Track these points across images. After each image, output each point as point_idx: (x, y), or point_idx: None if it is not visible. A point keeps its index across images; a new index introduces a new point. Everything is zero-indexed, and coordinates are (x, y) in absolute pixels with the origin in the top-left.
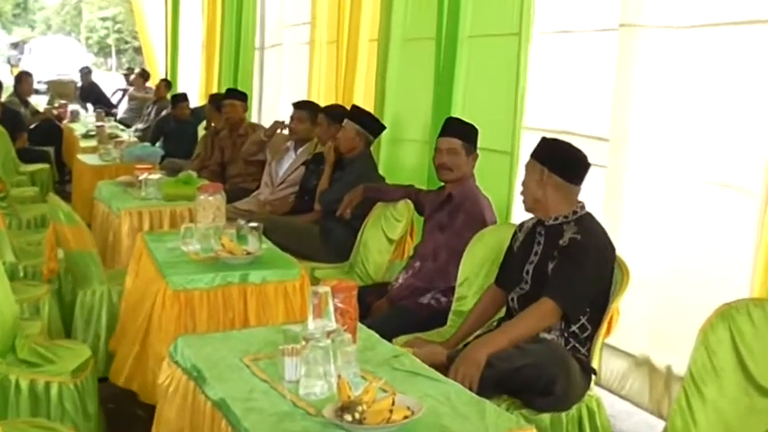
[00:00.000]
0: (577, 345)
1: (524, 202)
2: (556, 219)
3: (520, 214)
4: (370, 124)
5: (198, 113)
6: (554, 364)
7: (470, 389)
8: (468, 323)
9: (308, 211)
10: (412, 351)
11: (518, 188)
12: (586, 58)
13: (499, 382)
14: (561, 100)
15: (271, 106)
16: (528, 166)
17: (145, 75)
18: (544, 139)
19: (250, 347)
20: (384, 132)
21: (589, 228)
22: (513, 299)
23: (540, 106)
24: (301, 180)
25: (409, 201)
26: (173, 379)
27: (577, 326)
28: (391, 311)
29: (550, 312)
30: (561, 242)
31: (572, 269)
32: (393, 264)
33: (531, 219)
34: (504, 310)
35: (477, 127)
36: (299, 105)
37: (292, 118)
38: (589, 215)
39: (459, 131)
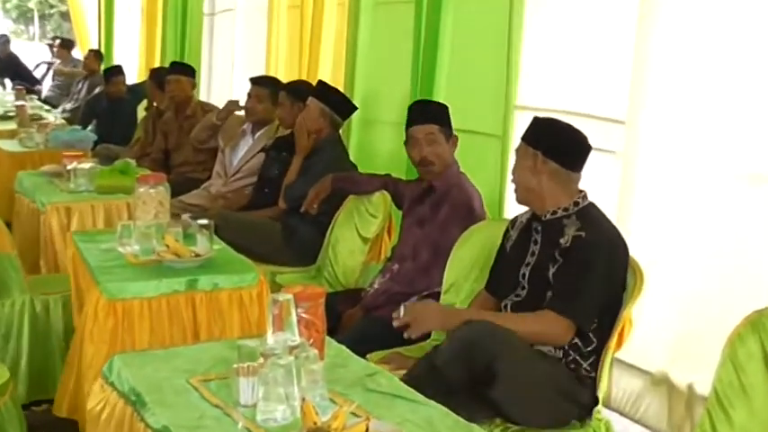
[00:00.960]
0: (579, 358)
1: (516, 192)
2: (554, 212)
3: (514, 208)
4: (339, 103)
5: (137, 91)
6: (485, 339)
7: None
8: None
9: (267, 205)
10: (389, 368)
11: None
12: (597, 22)
13: (426, 377)
14: (565, 74)
15: (222, 83)
16: (519, 150)
17: (68, 44)
18: (536, 120)
19: (199, 366)
20: (354, 113)
21: (594, 222)
22: (506, 306)
23: (538, 81)
24: (260, 169)
25: (386, 192)
26: (106, 404)
27: (580, 336)
28: (365, 322)
29: (562, 327)
30: (562, 241)
31: (578, 275)
32: (368, 267)
33: (526, 213)
34: None
35: (446, 104)
36: (256, 81)
37: (249, 96)
38: (593, 206)
39: (434, 115)
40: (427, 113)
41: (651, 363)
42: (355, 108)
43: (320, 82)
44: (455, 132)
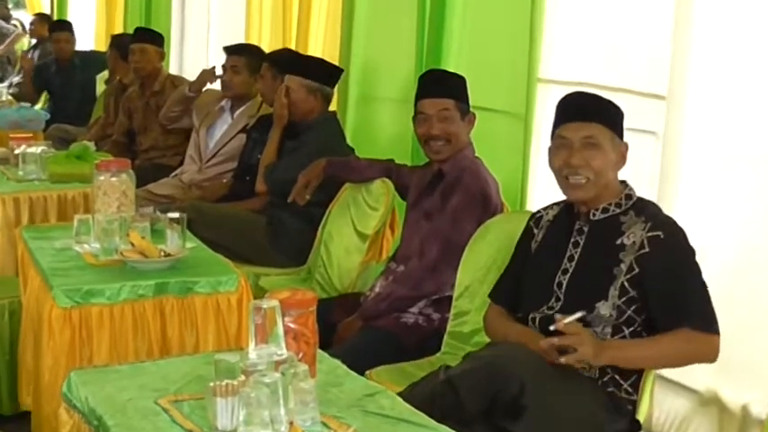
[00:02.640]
0: (618, 377)
1: (583, 187)
2: (605, 209)
3: (538, 199)
4: (322, 72)
5: (94, 60)
6: (515, 365)
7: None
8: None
9: (250, 195)
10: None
11: (537, 163)
12: None
13: (439, 399)
14: (595, 41)
15: (196, 53)
16: (594, 134)
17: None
18: (590, 95)
19: (169, 385)
20: (351, 89)
21: (661, 218)
22: (534, 320)
23: (565, 50)
24: (241, 153)
25: (388, 181)
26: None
27: None
28: (365, 333)
29: (711, 346)
30: (631, 243)
31: (689, 282)
32: (367, 268)
33: (553, 208)
34: None
35: (465, 78)
36: (234, 50)
37: (225, 68)
38: (643, 198)
39: (450, 87)
40: (442, 85)
41: (699, 380)
42: (341, 70)
43: (291, 53)
44: (472, 110)
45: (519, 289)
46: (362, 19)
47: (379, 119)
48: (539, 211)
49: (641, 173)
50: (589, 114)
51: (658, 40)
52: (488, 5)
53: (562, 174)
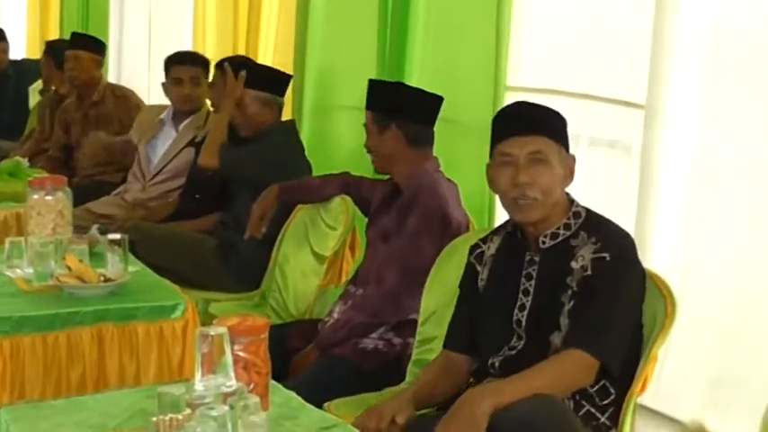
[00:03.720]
0: (593, 410)
1: (531, 209)
2: (554, 234)
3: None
4: (274, 81)
5: (26, 69)
6: (551, 424)
7: None
8: (418, 386)
9: (199, 214)
10: (354, 421)
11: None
12: None
13: None
14: (567, 46)
15: (135, 61)
16: (542, 150)
17: None
18: (525, 105)
19: (108, 420)
20: (306, 98)
21: (609, 234)
22: (494, 365)
23: (535, 55)
24: (190, 169)
25: (347, 197)
26: None
27: (595, 387)
28: (322, 363)
29: (587, 368)
30: (575, 266)
31: (605, 307)
32: (325, 292)
33: (493, 240)
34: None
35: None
36: (192, 60)
37: (180, 80)
38: (588, 210)
39: (377, 102)
40: (376, 101)
41: (682, 409)
42: (290, 77)
43: (237, 61)
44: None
45: (473, 334)
46: (318, 23)
47: (336, 129)
48: (477, 246)
49: (616, 188)
50: (534, 127)
51: (636, 44)
52: (453, 10)
53: (509, 195)
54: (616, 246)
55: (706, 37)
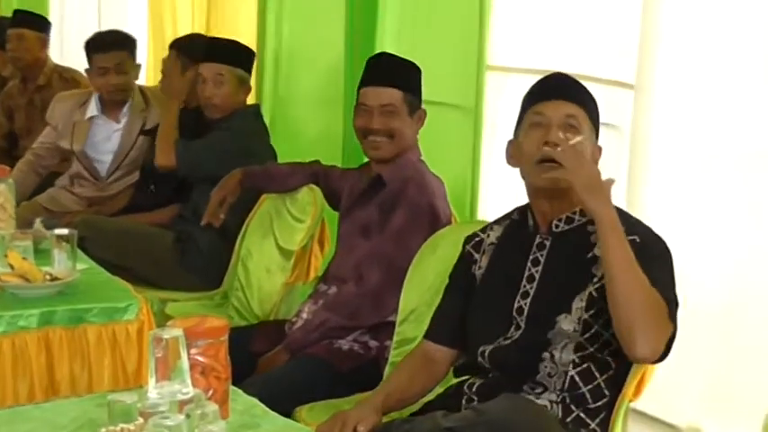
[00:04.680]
0: (584, 415)
1: (552, 195)
2: (569, 219)
3: (491, 206)
4: (244, 57)
5: None
6: (520, 425)
7: None
8: (389, 389)
9: (155, 206)
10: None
11: (489, 164)
12: None
13: None
14: (552, 22)
15: (80, 40)
16: (572, 110)
17: None
18: (567, 76)
19: (54, 431)
20: (266, 80)
21: (634, 221)
22: (484, 353)
23: (518, 33)
24: (143, 159)
25: (315, 188)
26: None
27: (589, 386)
28: (290, 366)
29: (666, 334)
30: (599, 254)
31: (656, 275)
32: (292, 290)
33: (494, 229)
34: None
35: (419, 66)
36: (103, 45)
37: (103, 69)
38: None
39: (398, 76)
40: (389, 72)
41: (679, 414)
42: (253, 54)
43: (204, 39)
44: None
45: (461, 326)
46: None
47: (300, 117)
48: (476, 234)
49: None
50: (573, 95)
51: (625, 21)
52: None
53: (534, 159)
54: (641, 228)
55: (698, 12)
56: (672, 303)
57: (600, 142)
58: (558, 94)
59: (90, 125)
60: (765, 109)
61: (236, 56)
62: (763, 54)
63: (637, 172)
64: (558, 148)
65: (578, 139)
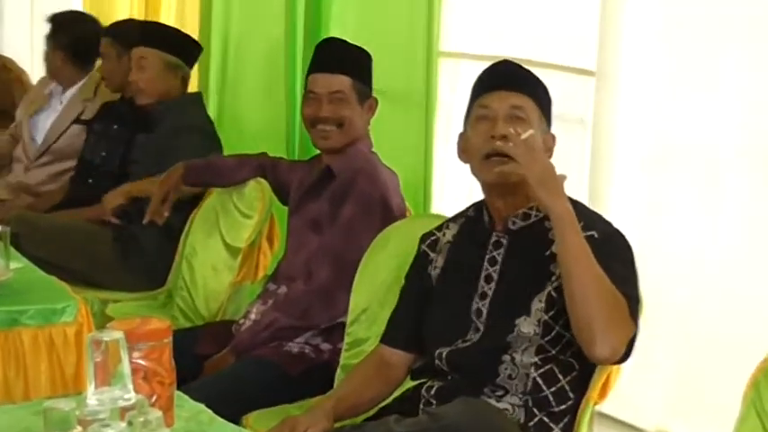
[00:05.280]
0: (547, 419)
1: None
2: (526, 215)
3: (447, 198)
4: (181, 45)
5: None
6: (477, 430)
7: None
8: (341, 393)
9: (93, 201)
10: None
11: (444, 155)
12: None
13: None
14: (508, 9)
15: (16, 23)
16: (518, 100)
17: None
18: (513, 64)
19: None
20: (212, 69)
21: (592, 215)
22: (441, 355)
23: (470, 18)
24: (81, 150)
25: (263, 181)
26: None
27: (552, 389)
28: (238, 369)
29: (626, 335)
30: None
31: (621, 266)
32: (239, 289)
33: (449, 227)
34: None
35: (370, 53)
36: (54, 25)
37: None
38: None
39: (348, 62)
40: (338, 58)
41: (646, 416)
42: (200, 48)
43: (138, 23)
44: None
45: (417, 329)
46: None
47: (245, 109)
48: (432, 233)
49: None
50: (519, 84)
51: (584, 4)
52: None
53: (482, 153)
54: (600, 223)
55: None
56: (633, 300)
57: (559, 133)
58: (503, 83)
59: (44, 100)
60: (734, 98)
61: (162, 40)
62: (735, 37)
63: (599, 164)
64: (510, 143)
65: (530, 132)
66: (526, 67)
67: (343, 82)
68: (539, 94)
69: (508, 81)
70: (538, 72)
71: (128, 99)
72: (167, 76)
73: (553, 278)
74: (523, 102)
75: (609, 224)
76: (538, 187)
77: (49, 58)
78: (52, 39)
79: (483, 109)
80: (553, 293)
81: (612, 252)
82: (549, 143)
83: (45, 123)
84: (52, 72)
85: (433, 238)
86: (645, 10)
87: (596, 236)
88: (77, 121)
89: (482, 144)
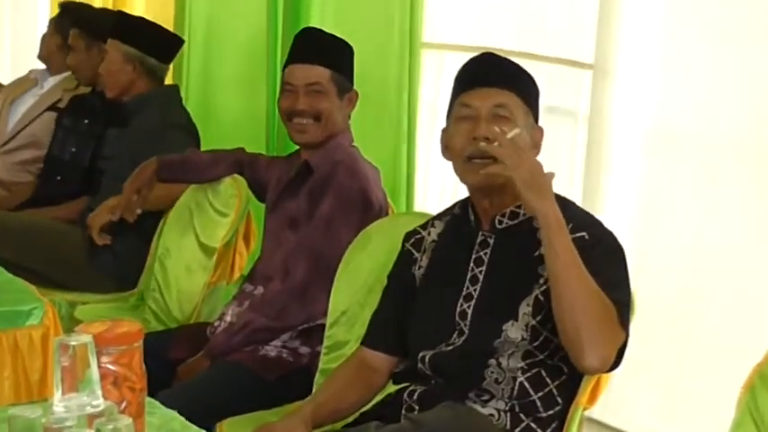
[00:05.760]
0: (534, 425)
1: (490, 191)
2: (514, 213)
3: (431, 195)
4: (149, 39)
5: None
6: None
7: None
8: (321, 399)
9: (61, 200)
10: None
11: (427, 150)
12: None
13: None
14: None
15: None
16: (500, 98)
17: None
18: (493, 56)
19: None
20: (192, 60)
21: (583, 215)
22: (424, 359)
23: (454, 7)
24: (50, 145)
25: (239, 177)
26: None
27: (540, 393)
28: (212, 374)
29: (617, 324)
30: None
31: (611, 269)
32: (214, 290)
33: (435, 225)
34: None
35: (351, 45)
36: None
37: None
38: (559, 196)
39: (326, 53)
40: (316, 49)
41: (636, 422)
42: (180, 42)
43: (118, 13)
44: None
45: (400, 331)
46: None
47: (220, 98)
48: (416, 231)
49: (557, 162)
50: (502, 80)
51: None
52: None
53: (465, 154)
54: (590, 223)
55: None
56: (623, 306)
57: (551, 125)
58: (485, 80)
59: (29, 85)
60: (733, 91)
61: (123, 31)
62: (735, 29)
63: (595, 162)
64: (495, 143)
65: (516, 131)
66: (514, 59)
67: (321, 74)
68: (524, 89)
69: (490, 77)
70: (527, 64)
71: (99, 92)
72: (126, 69)
73: (541, 281)
74: (507, 99)
75: (600, 225)
76: (524, 189)
77: (45, 41)
78: (55, 22)
79: (465, 108)
80: (540, 297)
81: (603, 254)
82: (536, 138)
83: (22, 109)
84: (45, 55)
85: (417, 236)
86: (644, 1)
87: (586, 237)
88: (52, 108)
89: (464, 145)
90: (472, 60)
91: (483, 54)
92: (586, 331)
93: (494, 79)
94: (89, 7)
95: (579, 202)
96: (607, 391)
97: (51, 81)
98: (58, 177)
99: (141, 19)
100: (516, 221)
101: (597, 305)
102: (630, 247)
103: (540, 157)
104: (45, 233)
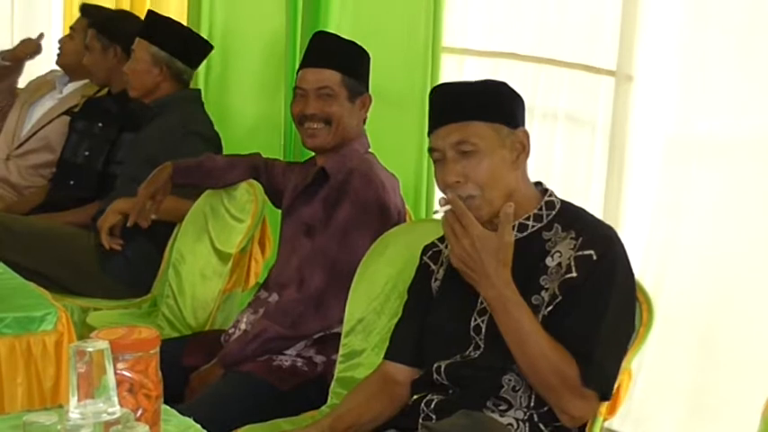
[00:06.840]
0: None
1: (476, 211)
2: (522, 226)
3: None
4: (178, 41)
5: None
6: None
7: None
8: (341, 411)
9: (74, 204)
10: None
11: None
12: None
13: None
14: (520, 3)
15: None
16: (459, 134)
17: None
18: (445, 88)
19: None
20: (205, 67)
21: (595, 230)
22: (440, 369)
23: (476, 12)
24: (63, 148)
25: (255, 183)
26: None
27: None
28: (227, 383)
29: (580, 404)
30: (555, 265)
31: (598, 320)
32: (229, 297)
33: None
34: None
35: (366, 50)
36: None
37: (72, 29)
38: (565, 202)
39: (337, 56)
40: (327, 53)
41: (666, 428)
42: (209, 47)
43: (149, 13)
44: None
45: (421, 343)
46: None
47: (238, 106)
48: (434, 244)
49: (576, 170)
50: (456, 113)
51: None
52: None
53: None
54: (601, 241)
55: None
56: (590, 363)
57: (570, 137)
58: (442, 117)
59: (47, 88)
60: (757, 98)
61: (154, 32)
62: (758, 35)
63: (616, 171)
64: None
65: (445, 208)
66: (535, 65)
67: (331, 77)
68: (484, 108)
69: (445, 114)
70: (547, 70)
71: (114, 95)
72: (153, 71)
73: (543, 294)
74: (465, 132)
75: (609, 240)
76: (463, 272)
77: (64, 46)
78: (74, 27)
79: (433, 153)
80: (548, 318)
81: (590, 293)
82: (520, 141)
83: (39, 112)
84: (66, 62)
85: (435, 249)
86: (666, 8)
87: (594, 257)
88: (67, 112)
89: (443, 189)
90: (430, 98)
91: (436, 88)
92: (551, 393)
93: (449, 114)
94: (107, 9)
95: (600, 209)
96: (628, 402)
97: (71, 86)
98: (71, 181)
99: (171, 20)
100: (525, 234)
101: (551, 378)
102: (651, 256)
103: (558, 164)
104: (57, 238)
